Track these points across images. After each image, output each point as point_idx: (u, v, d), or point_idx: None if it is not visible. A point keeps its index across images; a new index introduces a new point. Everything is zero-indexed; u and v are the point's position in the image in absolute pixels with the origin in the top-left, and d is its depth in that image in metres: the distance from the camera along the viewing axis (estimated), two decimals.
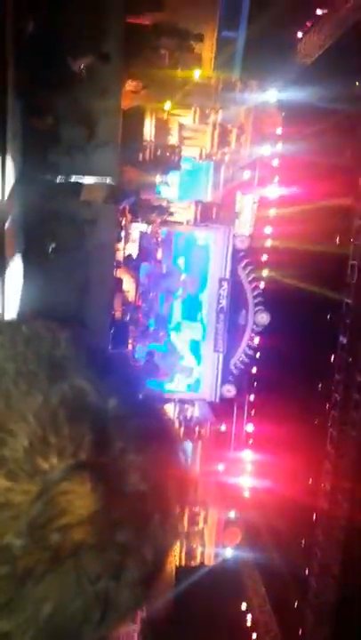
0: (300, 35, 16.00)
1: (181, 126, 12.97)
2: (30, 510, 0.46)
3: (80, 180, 8.43)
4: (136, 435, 0.52)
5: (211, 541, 15.28)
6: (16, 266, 8.36)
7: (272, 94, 14.86)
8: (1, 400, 0.48)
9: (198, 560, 15.23)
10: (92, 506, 0.47)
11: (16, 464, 0.46)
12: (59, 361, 0.51)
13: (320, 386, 19.44)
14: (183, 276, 15.51)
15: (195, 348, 16.23)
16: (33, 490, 0.46)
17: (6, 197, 7.81)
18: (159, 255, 14.46)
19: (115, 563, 0.50)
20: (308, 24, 15.79)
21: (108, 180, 8.65)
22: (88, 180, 8.76)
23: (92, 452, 0.48)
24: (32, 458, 0.47)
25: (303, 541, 17.41)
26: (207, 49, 12.33)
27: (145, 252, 13.41)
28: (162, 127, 12.27)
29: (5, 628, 0.49)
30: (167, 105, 12.01)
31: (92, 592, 0.49)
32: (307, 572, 17.02)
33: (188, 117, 12.84)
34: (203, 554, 15.27)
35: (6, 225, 7.95)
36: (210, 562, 15.32)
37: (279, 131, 15.50)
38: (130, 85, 10.21)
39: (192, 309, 16.11)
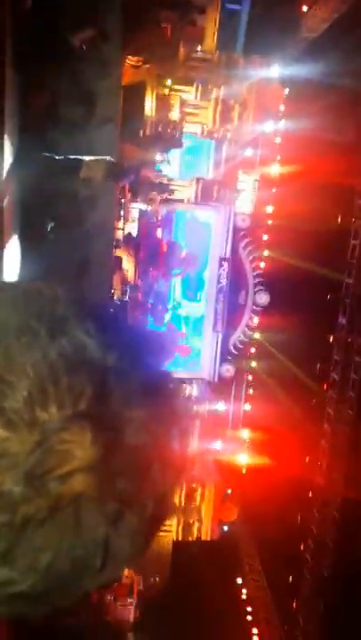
0: (304, 8, 15.59)
1: (183, 102, 12.76)
2: (28, 459, 0.46)
3: (79, 158, 8.31)
4: (136, 388, 0.53)
5: (208, 517, 15.54)
6: (14, 245, 8.32)
7: (275, 70, 14.58)
8: (1, 354, 0.48)
9: (195, 535, 15.51)
10: (92, 455, 0.48)
11: (15, 414, 0.47)
12: (59, 317, 0.52)
13: (318, 366, 19.48)
14: (184, 253, 15.42)
15: (196, 325, 16.23)
16: (31, 439, 0.47)
17: (4, 176, 7.72)
18: (159, 234, 14.36)
19: (114, 511, 0.50)
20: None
21: (108, 158, 8.52)
22: (87, 157, 8.64)
23: (92, 403, 0.49)
24: (31, 408, 0.47)
25: (299, 518, 17.69)
26: (210, 22, 12.04)
27: (145, 231, 13.32)
28: (163, 103, 12.07)
29: (6, 576, 0.49)
30: (168, 80, 11.78)
31: (92, 540, 0.50)
32: (302, 547, 17.34)
33: (189, 93, 12.62)
34: (199, 529, 15.54)
35: (4, 204, 7.88)
36: (206, 537, 15.60)
37: (282, 107, 15.24)
38: (131, 60, 10.00)
39: (193, 289, 16.07)
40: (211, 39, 12.36)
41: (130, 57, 9.90)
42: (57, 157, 8.56)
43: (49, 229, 9.35)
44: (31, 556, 0.49)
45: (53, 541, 0.49)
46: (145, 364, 0.57)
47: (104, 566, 0.52)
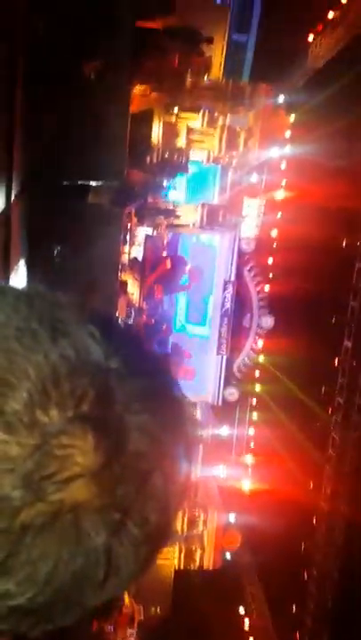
0: (310, 38, 15.90)
1: (189, 129, 12.93)
2: (27, 463, 0.45)
3: (87, 183, 8.42)
4: (140, 394, 0.51)
5: (210, 545, 15.30)
6: (21, 268, 8.37)
7: (281, 97, 14.80)
8: (3, 357, 0.47)
9: (197, 563, 15.26)
10: (94, 461, 0.46)
11: (14, 416, 0.45)
12: (61, 319, 0.51)
13: (323, 389, 19.41)
14: (189, 267, 15.44)
15: (201, 346, 16.13)
16: (31, 442, 0.45)
17: (12, 199, 7.80)
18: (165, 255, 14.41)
19: (116, 521, 0.48)
20: (320, 27, 15.69)
21: (115, 183, 8.62)
22: (95, 182, 8.75)
23: (94, 407, 0.47)
24: (31, 410, 0.46)
25: (303, 546, 17.42)
26: (217, 52, 12.28)
27: (150, 252, 13.39)
28: (170, 130, 12.24)
29: (3, 588, 0.47)
30: (176, 108, 11.97)
31: (94, 550, 0.48)
32: (306, 576, 17.03)
33: (196, 120, 12.81)
34: (202, 557, 15.29)
35: (12, 227, 7.95)
36: (209, 565, 15.34)
37: (288, 134, 15.44)
38: (139, 89, 10.17)
39: (198, 311, 16.08)
40: (218, 68, 12.60)
41: (138, 85, 10.07)
42: (65, 182, 8.67)
43: (56, 253, 9.42)
44: (30, 565, 0.46)
45: (53, 550, 0.47)
46: (149, 369, 0.55)
47: (107, 579, 0.50)
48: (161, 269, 14.01)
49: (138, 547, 0.50)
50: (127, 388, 0.50)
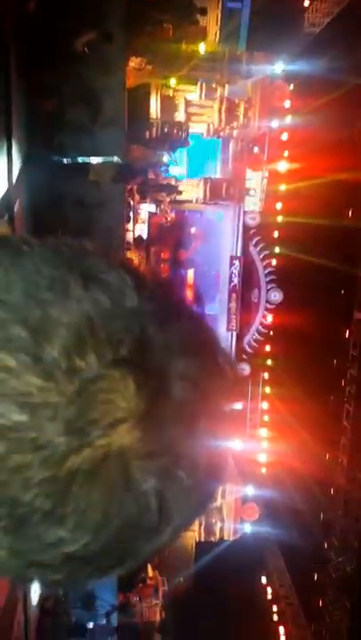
0: (306, 3, 15.57)
1: (188, 102, 12.78)
2: (69, 409, 0.44)
3: (87, 161, 8.37)
4: (178, 338, 0.50)
5: (230, 517, 15.46)
6: None
7: (280, 66, 14.55)
8: (36, 306, 0.46)
9: (218, 535, 15.44)
10: (136, 405, 0.45)
11: (52, 364, 0.45)
12: (91, 267, 0.50)
13: (335, 362, 19.36)
14: (193, 229, 15.34)
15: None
16: (71, 389, 0.45)
17: (14, 181, 7.79)
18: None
19: (164, 466, 0.47)
20: None
21: (116, 159, 8.57)
22: (95, 159, 8.70)
23: (132, 352, 0.46)
24: (68, 357, 0.45)
25: (322, 516, 17.54)
26: (212, 21, 12.07)
27: (155, 232, 13.33)
28: (168, 104, 12.10)
29: (56, 535, 0.46)
30: (172, 81, 11.82)
31: (143, 496, 0.47)
32: (326, 545, 17.18)
33: (194, 93, 12.65)
34: (222, 529, 15.47)
35: (15, 209, 7.95)
36: (230, 537, 15.52)
37: (288, 104, 15.21)
38: (134, 62, 10.05)
39: (208, 288, 16.01)
40: (213, 38, 12.39)
41: (133, 59, 9.95)
42: (65, 161, 8.63)
43: (59, 235, 9.42)
44: (80, 513, 0.46)
45: (102, 496, 0.46)
46: (185, 314, 0.54)
47: (159, 526, 0.49)
48: (166, 229, 13.72)
49: (188, 492, 0.49)
50: (165, 332, 0.49)
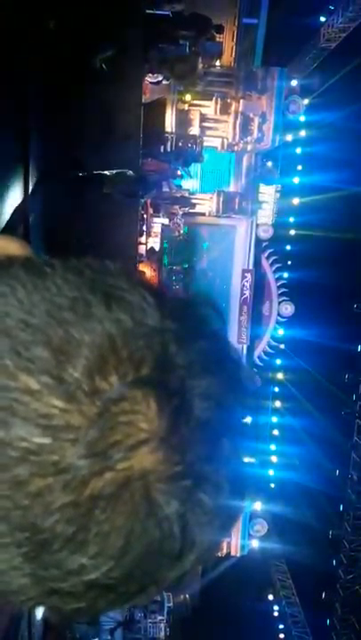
0: (322, 19, 15.65)
1: (203, 117, 12.86)
2: (90, 431, 0.43)
3: (101, 174, 8.41)
4: (200, 357, 0.49)
5: (237, 533, 15.33)
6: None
7: (295, 81, 14.61)
8: (58, 327, 0.46)
9: (225, 551, 15.30)
10: (159, 426, 0.44)
11: (74, 385, 0.44)
12: (113, 287, 0.49)
13: (346, 376, 19.24)
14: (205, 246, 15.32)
15: None
16: (92, 410, 0.44)
17: (29, 196, 7.86)
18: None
19: (187, 489, 0.46)
20: (331, 7, 15.43)
21: (130, 173, 8.61)
22: (109, 172, 8.75)
23: (154, 371, 0.46)
24: (90, 378, 0.44)
25: (331, 532, 17.34)
26: (228, 37, 12.15)
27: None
28: (183, 118, 12.18)
29: (77, 562, 0.45)
30: (188, 96, 11.90)
31: (166, 520, 0.45)
32: (334, 562, 16.97)
33: (209, 107, 12.72)
34: (229, 544, 15.34)
35: (29, 224, 8.02)
36: (237, 553, 15.38)
37: (302, 117, 15.26)
38: (150, 77, 10.14)
39: (218, 301, 15.98)
40: (229, 53, 12.47)
41: (149, 74, 10.04)
42: (79, 174, 8.69)
43: (72, 248, 9.48)
44: (102, 538, 0.45)
45: (125, 521, 0.45)
46: (206, 332, 0.53)
47: (182, 552, 0.47)
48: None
49: (212, 517, 0.47)
50: (186, 350, 0.48)
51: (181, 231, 13.56)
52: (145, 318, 0.48)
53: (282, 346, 17.10)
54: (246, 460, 0.51)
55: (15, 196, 7.26)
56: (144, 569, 0.47)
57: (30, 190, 7.86)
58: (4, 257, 0.56)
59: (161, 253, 13.03)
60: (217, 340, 0.54)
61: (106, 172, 8.55)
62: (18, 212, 7.29)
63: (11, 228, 7.10)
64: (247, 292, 15.31)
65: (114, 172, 8.75)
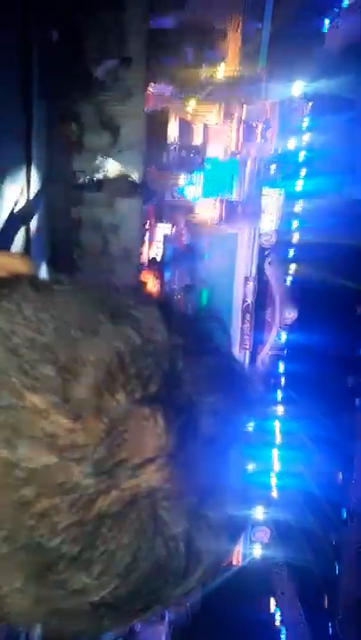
0: (326, 23, 15.59)
1: (205, 124, 12.83)
2: (97, 450, 0.43)
3: (101, 177, 8.36)
4: (207, 373, 0.49)
5: (240, 539, 15.31)
6: (42, 272, 8.42)
7: (298, 86, 14.57)
8: (65, 345, 0.45)
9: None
10: (166, 443, 0.44)
11: (80, 403, 0.44)
12: (120, 303, 0.49)
13: (349, 381, 19.22)
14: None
15: None
16: (99, 429, 0.43)
17: (32, 204, 7.86)
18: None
19: (193, 506, 0.46)
20: (336, 11, 15.37)
21: (132, 177, 8.56)
22: (111, 173, 8.70)
23: (162, 388, 0.45)
24: (98, 397, 0.44)
25: (334, 540, 17.33)
26: (232, 43, 12.10)
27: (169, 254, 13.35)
28: (186, 126, 12.17)
29: (82, 583, 0.44)
30: (191, 104, 11.88)
31: (172, 538, 0.45)
32: (337, 570, 16.95)
33: (212, 114, 12.70)
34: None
35: (32, 231, 8.02)
36: (238, 560, 15.37)
37: (306, 123, 15.22)
38: (155, 89, 10.11)
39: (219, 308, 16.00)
40: (233, 59, 12.42)
41: (152, 84, 10.01)
42: (81, 179, 8.66)
43: (75, 256, 9.47)
44: (108, 557, 0.44)
45: (131, 540, 0.44)
46: (213, 348, 0.53)
47: (188, 570, 0.47)
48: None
49: (218, 534, 0.48)
50: (193, 367, 0.48)
51: (184, 239, 13.57)
52: (153, 335, 0.48)
53: (285, 351, 17.10)
54: (252, 470, 0.51)
55: (17, 198, 7.25)
56: (150, 587, 0.47)
57: (33, 200, 7.85)
58: (9, 274, 0.56)
59: (163, 261, 13.03)
60: (223, 355, 0.53)
61: (107, 177, 8.51)
62: (20, 211, 7.26)
63: (12, 229, 7.07)
64: (249, 299, 15.30)
65: (114, 176, 8.72)
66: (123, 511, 0.44)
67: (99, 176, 8.73)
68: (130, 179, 8.06)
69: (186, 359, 0.48)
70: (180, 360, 0.47)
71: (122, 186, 7.97)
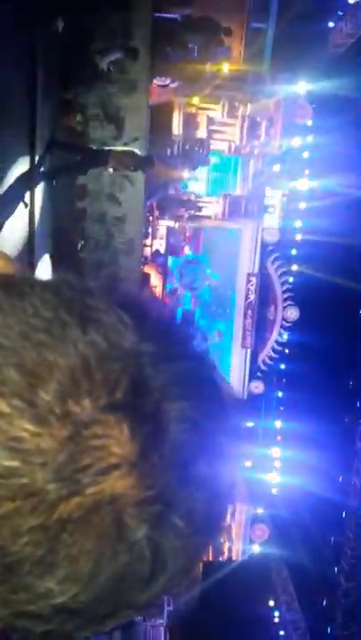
0: (331, 24, 15.66)
1: (210, 120, 12.88)
2: (60, 455, 0.43)
3: (107, 149, 8.24)
4: (177, 379, 0.49)
5: (239, 537, 15.28)
6: (45, 265, 8.46)
7: (302, 85, 14.60)
8: (32, 349, 0.46)
9: (226, 556, 15.25)
10: (130, 451, 0.44)
11: (45, 408, 0.44)
12: (90, 307, 0.49)
13: (351, 383, 19.21)
14: (208, 272, 15.43)
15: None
16: (63, 434, 0.44)
17: (37, 196, 7.88)
18: (186, 251, 14.41)
19: (158, 513, 0.45)
20: (340, 13, 15.44)
21: (136, 151, 8.46)
22: (116, 148, 8.58)
23: (128, 395, 0.45)
24: (63, 402, 0.44)
25: (332, 539, 17.27)
26: (236, 41, 12.16)
27: (172, 248, 13.40)
28: (190, 122, 12.20)
29: (45, 587, 0.45)
30: (195, 99, 11.93)
31: (136, 545, 0.45)
32: (336, 569, 16.89)
33: (216, 111, 12.74)
34: (230, 549, 15.28)
35: (36, 223, 8.04)
36: (237, 558, 15.33)
37: (309, 122, 15.23)
38: (158, 81, 10.16)
39: (221, 306, 16.02)
40: (238, 57, 12.48)
41: (157, 77, 10.06)
42: (86, 150, 8.37)
43: (79, 248, 9.49)
44: (70, 562, 0.44)
45: (94, 546, 0.44)
46: (185, 353, 0.53)
47: (153, 575, 0.47)
48: None
49: (185, 540, 0.47)
50: (163, 373, 0.48)
51: (187, 234, 13.61)
52: (120, 340, 0.47)
53: (286, 350, 17.05)
54: (226, 479, 0.50)
55: (21, 190, 7.26)
56: (113, 593, 0.47)
57: (38, 192, 7.88)
58: None
59: (166, 256, 13.07)
60: (196, 360, 0.53)
61: (112, 149, 8.32)
62: (22, 180, 7.20)
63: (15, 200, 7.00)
64: (252, 296, 15.28)
65: (120, 147, 8.58)
66: (85, 516, 0.44)
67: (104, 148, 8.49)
68: (136, 153, 7.98)
69: (155, 365, 0.47)
70: (148, 366, 0.47)
71: (129, 160, 7.85)
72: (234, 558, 15.25)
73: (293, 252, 16.54)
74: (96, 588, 0.46)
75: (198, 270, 15.11)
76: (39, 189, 7.90)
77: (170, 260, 13.39)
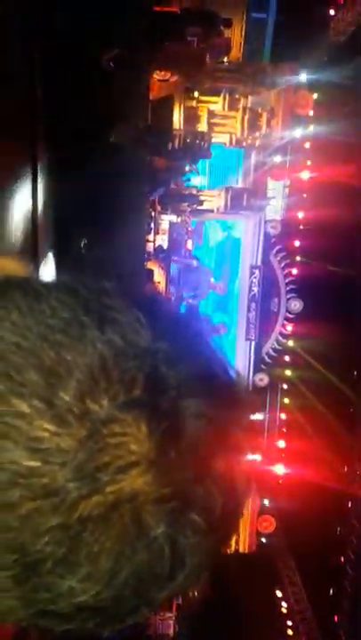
0: (331, 12, 15.48)
1: (211, 113, 12.79)
2: (79, 454, 0.44)
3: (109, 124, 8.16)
4: (192, 376, 0.49)
5: (245, 529, 15.37)
6: (48, 263, 8.45)
7: (303, 75, 14.49)
8: (50, 350, 0.46)
9: (233, 547, 15.34)
10: (149, 448, 0.44)
11: (64, 408, 0.45)
12: (107, 307, 0.50)
13: (355, 373, 19.17)
14: (213, 280, 15.45)
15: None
16: (82, 433, 0.44)
17: (38, 194, 7.84)
18: (189, 245, 14.38)
19: (176, 510, 0.46)
20: (340, 1, 15.27)
21: (139, 124, 8.36)
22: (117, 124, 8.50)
23: (145, 392, 0.46)
24: (81, 401, 0.45)
25: (338, 529, 17.35)
26: (237, 32, 12.06)
27: (175, 244, 13.37)
28: (191, 115, 12.13)
29: (66, 585, 0.46)
30: (196, 92, 11.84)
31: (156, 542, 0.46)
32: (342, 559, 16.99)
33: (217, 104, 12.66)
34: (237, 541, 15.38)
35: (38, 221, 8.01)
36: (245, 549, 15.43)
37: (311, 112, 15.13)
38: (158, 74, 10.09)
39: (224, 301, 16.02)
40: (237, 48, 12.38)
41: (157, 71, 9.99)
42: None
43: (82, 246, 9.48)
44: (91, 561, 0.45)
45: (114, 544, 0.45)
46: (200, 350, 0.54)
47: (173, 572, 0.47)
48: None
49: (203, 536, 0.48)
50: (179, 370, 0.48)
51: (190, 228, 13.57)
52: (137, 339, 0.48)
53: (290, 342, 17.05)
54: (243, 473, 0.51)
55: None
56: (134, 590, 0.47)
57: (39, 190, 7.84)
58: (1, 277, 0.56)
59: (169, 251, 13.04)
60: (210, 357, 0.54)
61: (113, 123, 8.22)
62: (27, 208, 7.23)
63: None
64: (255, 289, 15.27)
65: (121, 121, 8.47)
66: (105, 515, 0.44)
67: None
68: (140, 127, 7.90)
69: (170, 363, 0.48)
70: (164, 364, 0.48)
71: (131, 135, 7.78)
72: (241, 550, 15.35)
73: (296, 243, 16.49)
74: (117, 585, 0.46)
75: (202, 279, 15.07)
76: (40, 187, 7.87)
77: (172, 269, 13.31)
